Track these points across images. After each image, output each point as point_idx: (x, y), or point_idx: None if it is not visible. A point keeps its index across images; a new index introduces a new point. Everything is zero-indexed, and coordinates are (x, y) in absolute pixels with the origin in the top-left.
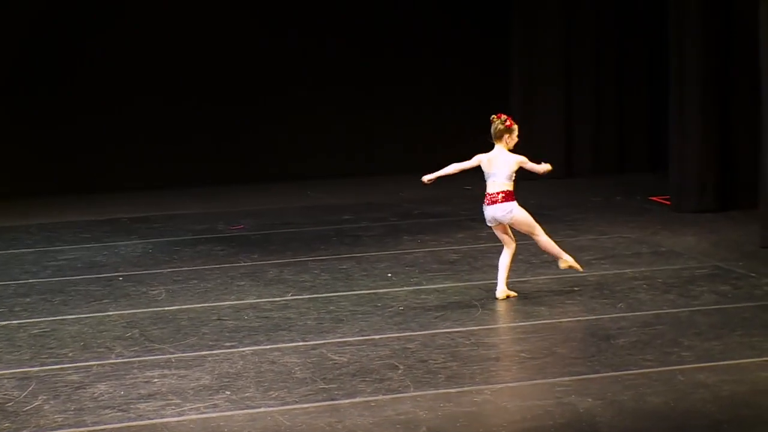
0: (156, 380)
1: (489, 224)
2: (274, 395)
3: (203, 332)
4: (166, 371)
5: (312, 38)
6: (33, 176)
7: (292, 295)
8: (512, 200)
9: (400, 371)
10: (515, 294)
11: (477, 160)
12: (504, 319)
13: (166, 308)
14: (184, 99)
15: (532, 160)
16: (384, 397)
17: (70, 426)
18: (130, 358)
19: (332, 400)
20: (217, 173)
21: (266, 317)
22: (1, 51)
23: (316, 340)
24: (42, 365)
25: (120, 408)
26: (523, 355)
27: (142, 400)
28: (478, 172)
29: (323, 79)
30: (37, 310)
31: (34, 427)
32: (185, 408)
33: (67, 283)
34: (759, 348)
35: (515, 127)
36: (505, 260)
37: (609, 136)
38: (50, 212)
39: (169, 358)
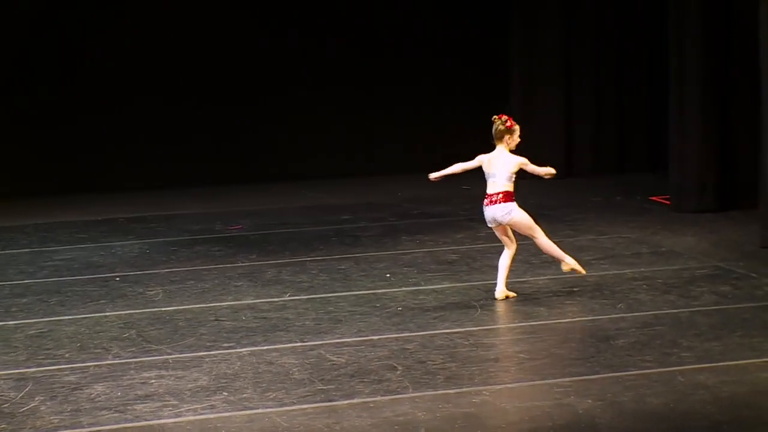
0: (153, 381)
1: (489, 225)
2: (271, 396)
3: (201, 333)
4: (163, 372)
5: (312, 38)
6: (33, 176)
7: (289, 296)
8: (512, 201)
9: (398, 372)
10: (514, 294)
11: (479, 160)
12: (503, 320)
13: (164, 309)
14: (184, 99)
15: (533, 161)
16: (382, 398)
17: (66, 427)
18: (127, 358)
19: (330, 401)
20: (217, 173)
21: (264, 318)
22: (1, 51)
23: (314, 341)
24: (38, 366)
25: (117, 409)
26: (522, 355)
27: (139, 401)
28: (477, 172)
29: (323, 79)
30: (34, 310)
31: (30, 428)
32: (182, 409)
33: (64, 284)
34: (759, 349)
35: (516, 127)
36: (504, 261)
37: (609, 136)
38: (50, 212)
39: (167, 359)
